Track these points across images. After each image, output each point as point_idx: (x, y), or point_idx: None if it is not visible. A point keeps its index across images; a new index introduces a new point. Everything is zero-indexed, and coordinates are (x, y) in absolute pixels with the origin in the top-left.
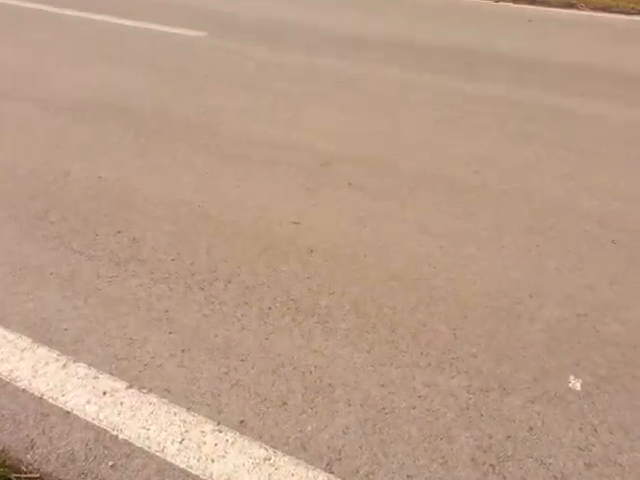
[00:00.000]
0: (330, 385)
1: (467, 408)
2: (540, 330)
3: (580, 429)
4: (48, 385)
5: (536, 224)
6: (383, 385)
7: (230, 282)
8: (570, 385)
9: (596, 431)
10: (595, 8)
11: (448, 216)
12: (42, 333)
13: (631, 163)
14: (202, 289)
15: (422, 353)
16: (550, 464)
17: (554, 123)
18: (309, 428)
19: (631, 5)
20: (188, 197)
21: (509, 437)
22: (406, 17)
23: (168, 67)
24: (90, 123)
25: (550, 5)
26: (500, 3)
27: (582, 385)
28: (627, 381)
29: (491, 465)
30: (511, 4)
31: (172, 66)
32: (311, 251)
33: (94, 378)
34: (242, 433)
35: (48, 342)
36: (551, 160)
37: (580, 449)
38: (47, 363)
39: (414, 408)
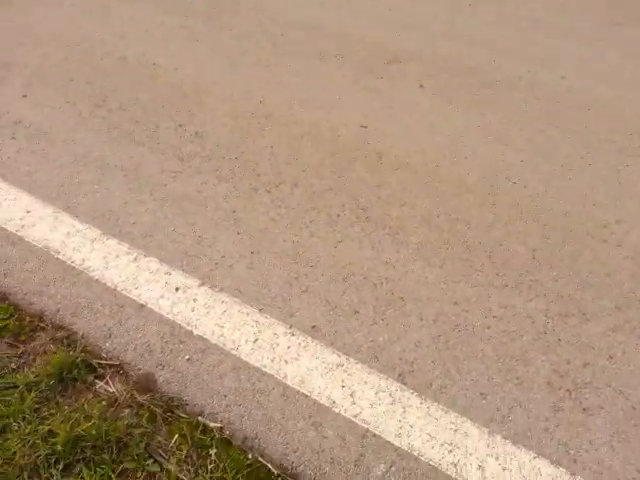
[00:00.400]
0: (402, 299)
1: (545, 332)
2: (626, 257)
3: None
4: (121, 277)
5: (627, 144)
6: (456, 302)
7: (296, 186)
8: None
9: None
10: None
11: (531, 127)
12: (111, 225)
13: None
14: (268, 192)
15: (498, 273)
16: (629, 394)
17: None
18: (381, 339)
19: None
20: (248, 91)
21: (587, 364)
22: None
23: None
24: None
25: None
26: None
27: None
28: None
29: (567, 390)
30: None
31: None
32: (380, 157)
33: (166, 273)
34: (314, 337)
35: (118, 234)
36: None
37: None
38: (118, 256)
39: (489, 328)
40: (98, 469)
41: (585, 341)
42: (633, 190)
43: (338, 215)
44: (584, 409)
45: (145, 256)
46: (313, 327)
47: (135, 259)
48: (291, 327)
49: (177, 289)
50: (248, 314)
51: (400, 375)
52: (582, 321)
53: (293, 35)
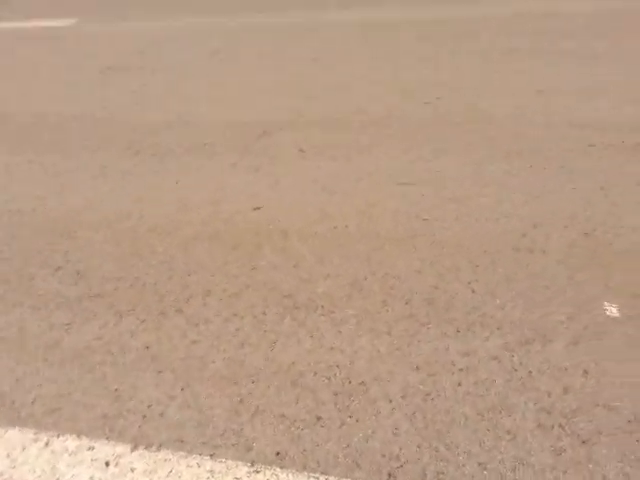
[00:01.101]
0: (362, 384)
1: (514, 369)
2: (557, 262)
3: (634, 359)
4: (35, 473)
5: (512, 150)
6: (418, 367)
7: (208, 295)
8: (608, 313)
9: None
10: None
11: (418, 160)
12: (5, 413)
13: None
14: (179, 311)
15: (446, 320)
16: (618, 407)
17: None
18: (355, 440)
19: None
20: (123, 209)
21: (567, 388)
22: None
23: None
24: None
25: None
26: None
27: (619, 309)
28: None
29: (560, 426)
30: None
31: None
32: (286, 235)
33: (89, 449)
34: (283, 467)
35: (17, 420)
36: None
37: None
38: (24, 447)
39: (460, 385)
40: None
41: (555, 364)
42: (534, 191)
43: (264, 313)
44: (584, 442)
45: (58, 436)
46: (277, 454)
47: (47, 444)
48: (253, 464)
49: (107, 464)
50: (199, 465)
51: (390, 476)
52: (543, 343)
53: (151, 138)
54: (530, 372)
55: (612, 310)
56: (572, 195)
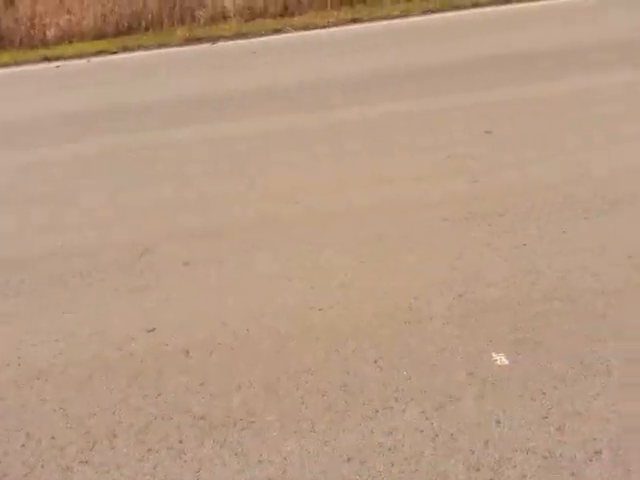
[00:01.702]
0: None
1: (436, 435)
2: (443, 324)
3: (533, 399)
4: None
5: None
6: (349, 458)
7: (115, 437)
8: (498, 363)
9: (544, 393)
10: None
11: (298, 256)
12: None
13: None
14: (85, 463)
15: (363, 403)
16: (534, 448)
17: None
18: None
19: (327, 20)
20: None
21: (487, 441)
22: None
23: None
24: None
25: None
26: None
27: (506, 357)
28: (546, 338)
29: (492, 479)
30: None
31: None
32: (187, 353)
33: None
34: None
35: None
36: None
37: (555, 428)
38: None
39: (392, 464)
40: None
41: (470, 421)
42: (406, 266)
43: (180, 441)
44: None
45: None
46: None
47: None
48: None
49: None
50: None
51: None
52: (455, 404)
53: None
54: (451, 434)
55: (501, 359)
56: (437, 264)
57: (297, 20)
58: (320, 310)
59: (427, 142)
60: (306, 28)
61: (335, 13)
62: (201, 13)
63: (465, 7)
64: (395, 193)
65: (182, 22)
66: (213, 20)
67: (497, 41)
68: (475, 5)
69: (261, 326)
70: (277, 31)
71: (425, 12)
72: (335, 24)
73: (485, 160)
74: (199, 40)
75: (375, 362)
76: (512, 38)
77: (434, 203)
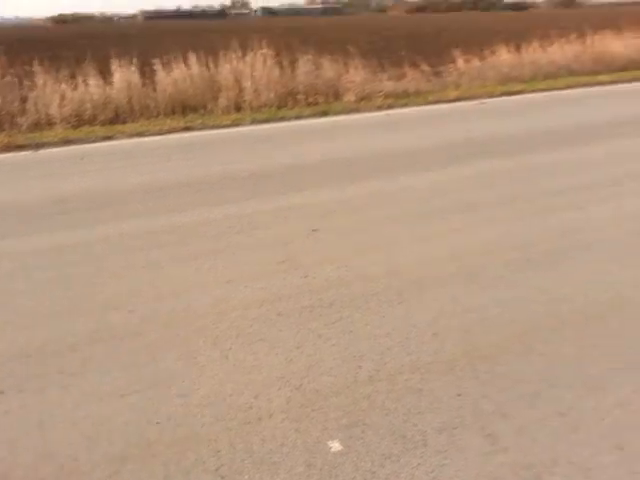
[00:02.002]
0: None
1: None
2: (282, 420)
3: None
4: None
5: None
6: None
7: None
8: (333, 450)
9: (373, 472)
10: (131, 135)
11: (132, 367)
12: None
13: None
14: None
15: None
16: None
17: None
18: None
19: (159, 127)
20: None
21: None
22: None
23: None
24: None
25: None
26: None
27: (340, 442)
28: (373, 418)
29: None
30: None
31: None
32: None
33: None
34: None
35: None
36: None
37: None
38: None
39: None
40: None
41: None
42: (244, 365)
43: None
44: None
45: None
46: None
47: None
48: None
49: None
50: None
51: None
52: None
53: None
54: None
55: (335, 446)
56: (274, 360)
57: (128, 127)
58: (157, 424)
59: (262, 241)
60: (137, 135)
61: (168, 121)
62: (23, 120)
63: (289, 119)
64: (233, 293)
65: (1, 128)
66: (37, 127)
67: (318, 148)
68: (298, 117)
69: (93, 452)
70: (107, 138)
71: (254, 122)
72: (167, 132)
73: (313, 256)
74: (20, 147)
75: (216, 470)
76: (330, 146)
77: (270, 300)
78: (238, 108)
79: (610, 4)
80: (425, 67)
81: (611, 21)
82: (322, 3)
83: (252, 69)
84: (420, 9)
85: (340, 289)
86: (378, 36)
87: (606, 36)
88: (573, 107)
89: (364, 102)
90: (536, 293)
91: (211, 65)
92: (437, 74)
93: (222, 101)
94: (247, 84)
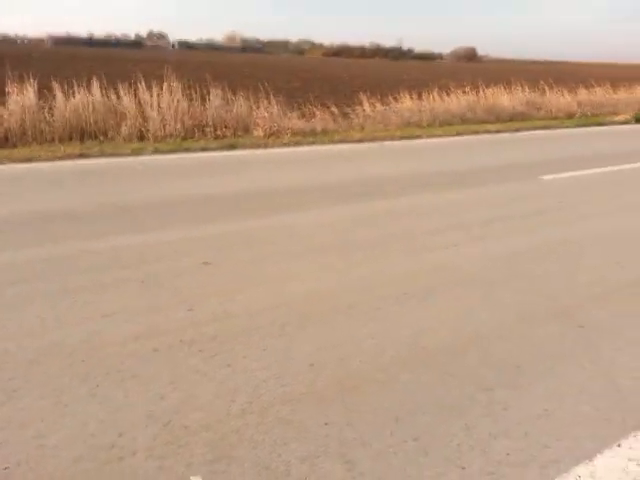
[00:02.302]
0: None
1: None
2: (147, 457)
3: None
4: None
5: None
6: None
7: None
8: None
9: None
10: (20, 160)
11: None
12: None
13: None
14: None
15: None
16: None
17: None
18: None
19: (53, 153)
20: None
21: None
22: None
23: None
24: None
25: None
26: None
27: (203, 478)
28: (240, 452)
29: None
30: None
31: None
32: None
33: None
34: None
35: None
36: None
37: None
38: None
39: None
40: None
41: None
42: (112, 403)
43: None
44: None
45: None
46: None
47: None
48: None
49: None
50: None
51: None
52: None
53: None
54: None
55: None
56: (145, 396)
57: (18, 152)
58: (6, 469)
59: (150, 274)
60: (27, 161)
61: (62, 147)
62: None
63: (195, 150)
64: (109, 328)
65: None
66: None
67: (219, 181)
68: (204, 149)
69: None
70: None
71: (156, 152)
72: (61, 158)
73: (201, 289)
74: None
75: None
76: (232, 179)
77: (148, 335)
78: (142, 137)
79: (507, 60)
80: (335, 108)
81: (503, 76)
82: (241, 41)
83: (159, 99)
84: (336, 54)
85: (224, 323)
86: (294, 76)
87: (497, 89)
88: (463, 152)
89: (272, 138)
90: (407, 326)
91: (117, 93)
92: (345, 115)
93: (125, 129)
94: (153, 114)
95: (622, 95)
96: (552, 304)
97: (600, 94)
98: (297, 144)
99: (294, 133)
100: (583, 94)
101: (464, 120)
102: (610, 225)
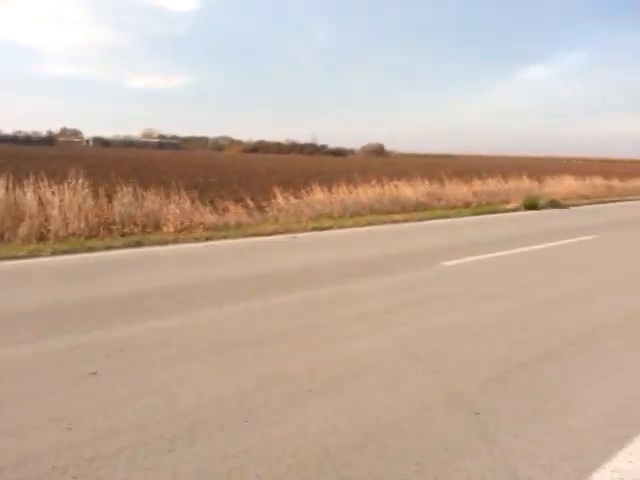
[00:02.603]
0: None
1: None
2: None
3: None
4: None
5: None
6: None
7: None
8: None
9: None
10: None
11: None
12: None
13: None
14: None
15: None
16: None
17: None
18: None
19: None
20: None
21: None
22: None
23: None
24: None
25: None
26: None
27: None
28: None
29: None
30: None
31: None
32: None
33: None
34: None
35: None
36: None
37: None
38: None
39: None
40: None
41: None
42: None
43: None
44: None
45: None
46: None
47: None
48: None
49: None
50: None
51: None
52: None
53: None
54: None
55: None
56: None
57: None
58: None
59: (27, 389)
60: None
61: None
62: None
63: (99, 249)
64: None
65: None
66: None
67: (117, 281)
68: (108, 248)
69: None
70: None
71: (55, 253)
72: None
73: (84, 403)
74: None
75: None
76: (132, 279)
77: (15, 463)
78: (42, 238)
79: (412, 155)
80: (249, 202)
81: (408, 169)
82: (158, 137)
83: (62, 197)
84: (254, 150)
85: (106, 441)
86: (212, 171)
87: (401, 182)
88: (372, 241)
89: (184, 233)
90: (310, 425)
91: (17, 191)
92: (260, 209)
93: (23, 230)
94: (54, 212)
95: (512, 184)
96: (451, 390)
97: (493, 184)
98: (209, 239)
99: (207, 228)
100: (478, 185)
101: (372, 210)
102: (502, 307)
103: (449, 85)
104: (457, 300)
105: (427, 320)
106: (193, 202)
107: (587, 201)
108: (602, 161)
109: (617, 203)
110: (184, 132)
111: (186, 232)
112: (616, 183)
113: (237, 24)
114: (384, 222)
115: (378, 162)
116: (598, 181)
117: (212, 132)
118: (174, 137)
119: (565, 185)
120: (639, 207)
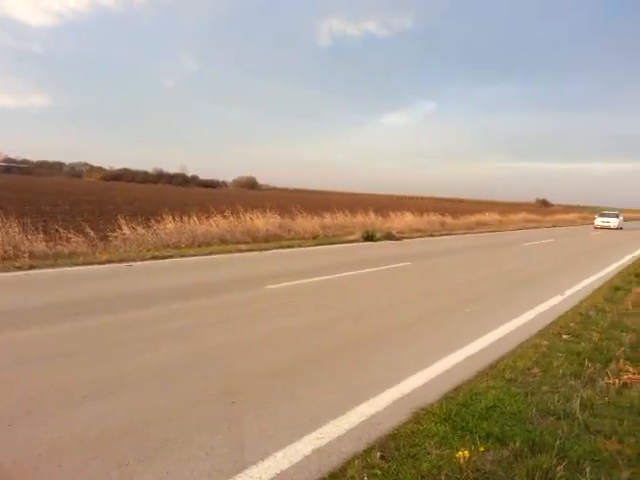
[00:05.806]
0: None
1: None
2: None
3: None
4: None
5: None
6: None
7: None
8: None
9: None
10: None
11: None
12: None
13: None
14: None
15: None
16: None
17: None
18: None
19: None
20: None
21: None
22: None
23: None
24: None
25: None
26: None
27: None
28: None
29: None
30: None
31: None
32: None
33: None
34: None
35: None
36: None
37: None
38: None
39: None
40: None
41: None
42: None
43: None
44: None
45: None
46: None
47: None
48: None
49: None
50: None
51: None
52: None
53: None
54: None
55: None
56: None
57: None
58: None
59: None
60: None
61: None
62: None
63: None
64: None
65: None
66: None
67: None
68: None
69: None
70: None
71: None
72: None
73: None
74: None
75: None
76: None
77: None
78: None
79: (283, 189)
80: (90, 232)
81: (269, 202)
82: (5, 161)
83: None
84: (116, 177)
85: None
86: (63, 199)
87: (255, 214)
88: (210, 269)
89: (5, 262)
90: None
91: None
92: (104, 239)
93: None
94: None
95: (360, 219)
96: (220, 385)
97: (341, 218)
98: (32, 267)
99: (35, 257)
100: (328, 218)
101: (223, 241)
102: (308, 320)
103: (322, 126)
104: (272, 313)
105: (234, 333)
106: (24, 229)
107: (419, 234)
108: (450, 200)
109: (444, 237)
110: (37, 157)
111: (11, 260)
112: (449, 220)
113: (105, 46)
114: (229, 251)
115: (249, 195)
116: (434, 217)
117: (70, 157)
118: (24, 161)
119: (404, 220)
120: (460, 239)
